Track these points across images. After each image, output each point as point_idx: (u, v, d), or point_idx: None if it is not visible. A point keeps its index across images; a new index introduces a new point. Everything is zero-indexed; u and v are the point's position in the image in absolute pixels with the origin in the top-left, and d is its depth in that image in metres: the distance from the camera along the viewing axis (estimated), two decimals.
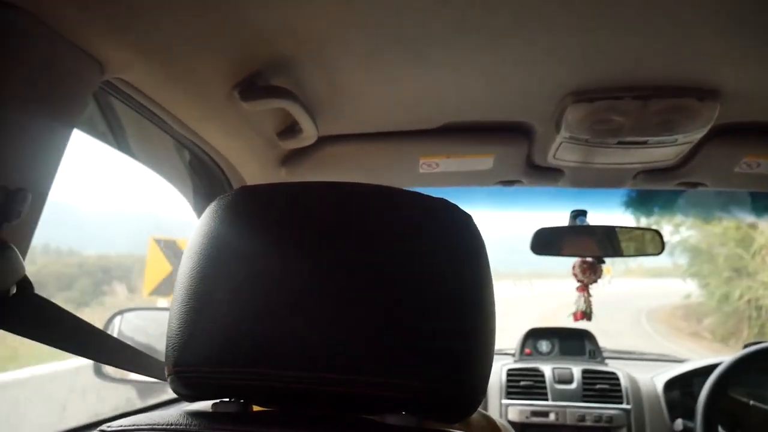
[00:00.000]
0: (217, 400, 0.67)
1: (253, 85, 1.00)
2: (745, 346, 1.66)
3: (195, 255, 0.63)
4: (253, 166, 1.31)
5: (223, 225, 0.63)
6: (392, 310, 0.59)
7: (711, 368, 1.58)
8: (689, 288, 13.86)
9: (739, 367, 1.50)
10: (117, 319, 1.59)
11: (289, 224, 0.62)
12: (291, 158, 1.33)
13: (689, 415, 1.52)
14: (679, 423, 1.58)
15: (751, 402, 1.50)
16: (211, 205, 0.66)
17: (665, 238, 1.63)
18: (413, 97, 1.16)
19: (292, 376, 0.59)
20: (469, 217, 0.65)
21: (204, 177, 1.35)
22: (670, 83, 1.05)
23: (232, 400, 0.66)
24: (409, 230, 0.62)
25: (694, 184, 1.44)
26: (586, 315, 1.80)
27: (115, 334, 1.58)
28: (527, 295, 18.45)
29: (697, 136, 1.17)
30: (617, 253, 1.67)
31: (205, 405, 0.69)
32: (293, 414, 0.66)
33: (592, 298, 1.77)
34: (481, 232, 0.66)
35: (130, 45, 0.83)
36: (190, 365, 0.61)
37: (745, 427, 1.49)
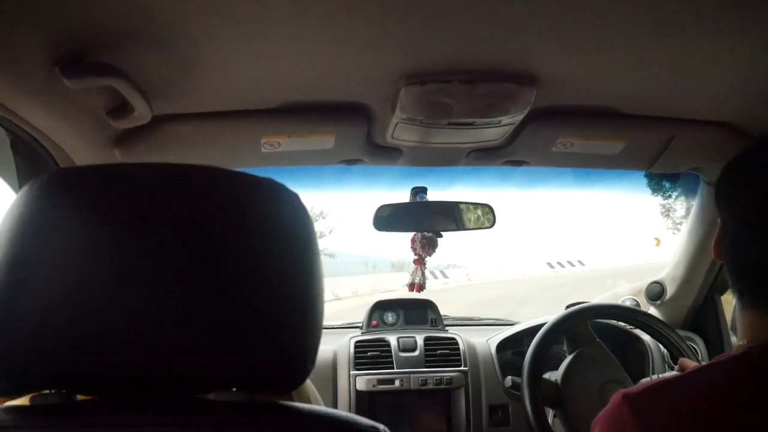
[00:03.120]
0: (36, 393, 0.64)
1: (77, 62, 0.94)
2: (567, 307, 1.85)
3: (5, 242, 0.59)
4: (82, 148, 1.23)
5: (37, 209, 0.60)
6: (217, 290, 0.59)
7: (537, 328, 1.74)
8: None
9: (561, 325, 1.66)
10: None
11: (108, 207, 0.60)
12: (125, 139, 1.27)
13: (518, 371, 1.66)
14: (508, 380, 1.73)
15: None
16: (22, 188, 0.61)
17: None
18: (252, 76, 1.15)
19: (116, 361, 0.58)
20: (295, 195, 0.66)
21: (31, 162, 1.25)
22: (493, 68, 1.13)
23: (53, 391, 0.63)
24: (234, 210, 0.62)
25: (519, 162, 1.57)
26: (422, 286, 1.91)
27: None
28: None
29: (518, 118, 1.27)
30: (455, 227, 1.78)
31: (24, 399, 0.66)
32: (119, 400, 0.64)
33: (426, 269, 1.88)
34: (307, 210, 0.68)
35: None
36: (2, 358, 0.58)
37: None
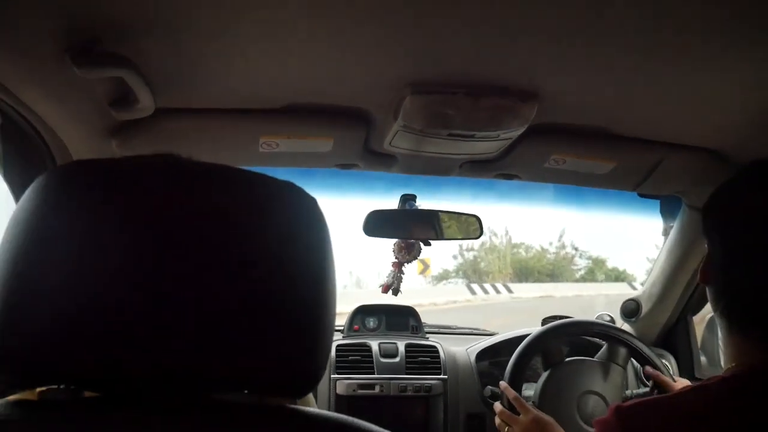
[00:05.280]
0: (44, 388, 0.62)
1: (89, 51, 0.93)
2: (544, 321, 1.88)
3: (20, 234, 0.58)
4: (78, 137, 1.21)
5: (54, 202, 0.58)
6: (233, 291, 0.59)
7: (516, 339, 1.77)
8: None
9: (542, 338, 1.69)
10: None
11: (129, 202, 0.59)
12: (123, 130, 1.26)
13: (496, 381, 1.68)
14: (488, 389, 1.75)
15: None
16: (38, 179, 0.60)
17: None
18: (258, 75, 1.16)
19: (126, 359, 0.57)
20: (313, 200, 0.66)
21: (20, 146, 1.23)
22: (498, 83, 1.16)
23: (62, 386, 0.62)
24: (254, 212, 0.61)
25: (510, 176, 1.60)
26: (394, 290, 1.93)
27: None
28: None
29: (517, 133, 1.30)
30: (442, 236, 1.80)
31: (31, 394, 0.64)
32: (128, 398, 0.63)
33: (403, 276, 1.90)
34: (324, 215, 0.68)
35: None
36: (12, 351, 0.57)
37: None
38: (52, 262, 0.57)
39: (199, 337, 0.58)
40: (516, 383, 1.61)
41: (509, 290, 18.13)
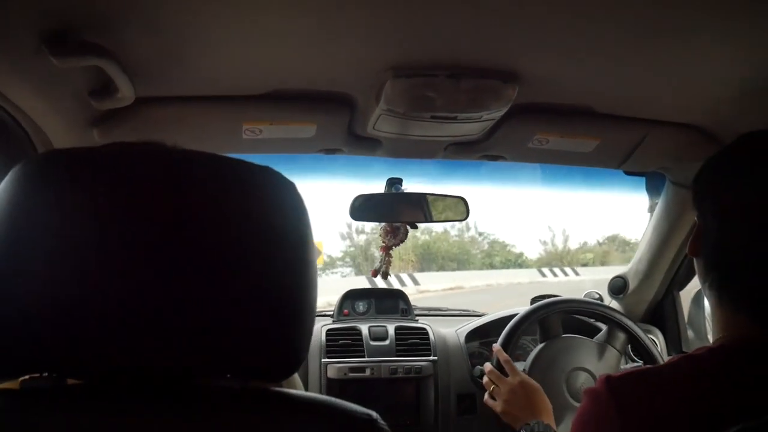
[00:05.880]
0: (26, 377, 0.63)
1: (66, 40, 0.93)
2: (533, 300, 1.89)
3: None
4: (59, 128, 1.20)
5: (30, 192, 0.58)
6: (213, 276, 0.59)
7: (504, 320, 1.78)
8: None
9: (528, 317, 1.70)
10: None
11: (105, 191, 0.59)
12: (104, 120, 1.25)
13: (485, 361, 1.69)
14: (477, 369, 1.77)
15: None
16: (13, 170, 0.60)
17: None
18: (239, 62, 1.15)
19: (108, 346, 0.58)
20: (292, 184, 0.67)
21: (1, 138, 1.22)
22: (479, 65, 1.16)
23: (44, 375, 0.63)
24: (231, 197, 0.62)
25: (495, 157, 1.60)
26: (383, 273, 1.96)
27: None
28: None
29: (499, 113, 1.30)
30: (430, 218, 1.80)
31: (14, 383, 0.65)
32: (111, 385, 0.64)
33: (391, 259, 1.91)
34: (303, 198, 0.68)
35: None
36: None
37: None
38: (31, 251, 0.57)
39: (179, 324, 0.59)
40: (509, 348, 1.63)
41: (415, 281, 16.52)
